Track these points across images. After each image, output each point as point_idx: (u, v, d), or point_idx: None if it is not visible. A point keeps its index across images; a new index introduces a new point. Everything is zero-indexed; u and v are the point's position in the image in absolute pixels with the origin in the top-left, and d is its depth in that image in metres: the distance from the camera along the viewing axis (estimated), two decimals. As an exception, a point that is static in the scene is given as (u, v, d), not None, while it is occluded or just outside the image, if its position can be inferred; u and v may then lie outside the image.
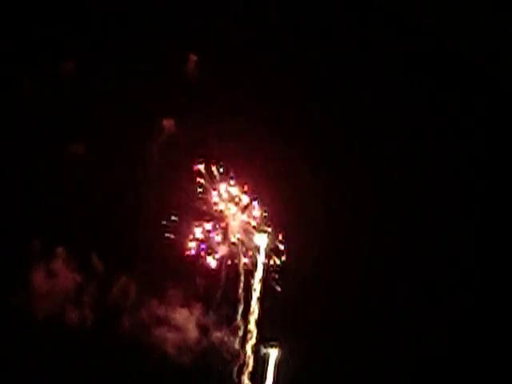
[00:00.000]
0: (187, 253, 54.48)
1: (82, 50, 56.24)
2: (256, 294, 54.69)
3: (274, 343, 54.44)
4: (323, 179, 55.63)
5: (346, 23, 58.16)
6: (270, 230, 55.34)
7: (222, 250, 55.06)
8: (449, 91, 57.76)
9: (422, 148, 57.53)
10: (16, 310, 52.91)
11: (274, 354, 54.46)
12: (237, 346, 54.50)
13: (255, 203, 55.37)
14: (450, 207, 56.63)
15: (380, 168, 56.69)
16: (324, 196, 55.48)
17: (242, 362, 54.49)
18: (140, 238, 54.62)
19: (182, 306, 54.45)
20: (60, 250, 53.69)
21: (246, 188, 55.24)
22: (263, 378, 54.53)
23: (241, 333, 54.62)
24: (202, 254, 54.68)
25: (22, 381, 52.67)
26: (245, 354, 54.60)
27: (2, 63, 55.27)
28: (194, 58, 56.25)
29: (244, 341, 54.63)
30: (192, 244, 54.58)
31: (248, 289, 55.04)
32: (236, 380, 54.21)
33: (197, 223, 54.71)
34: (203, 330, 54.53)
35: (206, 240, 54.83)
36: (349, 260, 55.35)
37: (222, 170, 54.87)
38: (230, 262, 54.86)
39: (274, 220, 55.40)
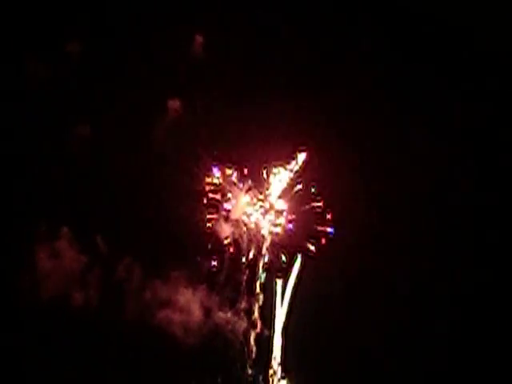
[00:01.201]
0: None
1: (87, 30, 55.95)
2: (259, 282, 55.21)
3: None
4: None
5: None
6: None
7: (226, 230, 55.36)
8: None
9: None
10: (21, 291, 53.24)
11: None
12: (241, 328, 55.01)
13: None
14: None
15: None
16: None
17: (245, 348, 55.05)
18: (145, 220, 54.87)
19: (186, 288, 54.74)
20: (65, 231, 53.86)
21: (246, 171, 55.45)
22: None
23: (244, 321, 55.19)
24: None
25: (26, 362, 53.11)
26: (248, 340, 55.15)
27: (7, 44, 55.01)
28: (200, 38, 56.19)
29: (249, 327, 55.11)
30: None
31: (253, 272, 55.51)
32: (239, 365, 54.82)
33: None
34: (207, 311, 54.88)
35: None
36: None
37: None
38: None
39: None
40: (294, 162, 55.45)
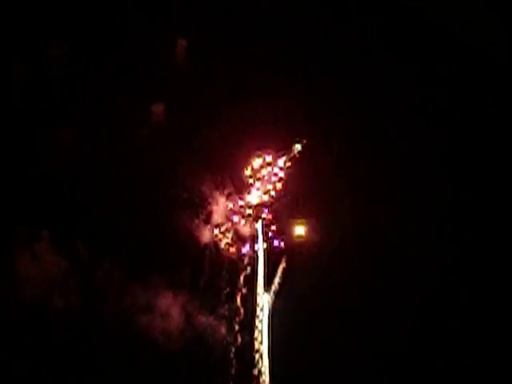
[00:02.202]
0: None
1: (72, 34, 56.48)
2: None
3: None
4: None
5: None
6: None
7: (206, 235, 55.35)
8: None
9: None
10: (1, 295, 53.52)
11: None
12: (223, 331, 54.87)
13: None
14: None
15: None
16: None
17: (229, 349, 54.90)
18: (126, 225, 54.98)
19: (167, 293, 54.70)
20: (45, 235, 54.12)
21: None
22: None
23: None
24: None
25: (7, 366, 53.24)
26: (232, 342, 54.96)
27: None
28: (183, 42, 56.47)
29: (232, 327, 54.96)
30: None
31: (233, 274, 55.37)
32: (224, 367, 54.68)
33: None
34: (188, 316, 54.77)
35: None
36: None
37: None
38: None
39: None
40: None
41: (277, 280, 55.00)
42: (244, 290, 54.93)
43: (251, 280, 55.06)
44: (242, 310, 54.95)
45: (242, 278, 55.04)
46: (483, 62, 57.40)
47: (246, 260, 55.09)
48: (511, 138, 56.71)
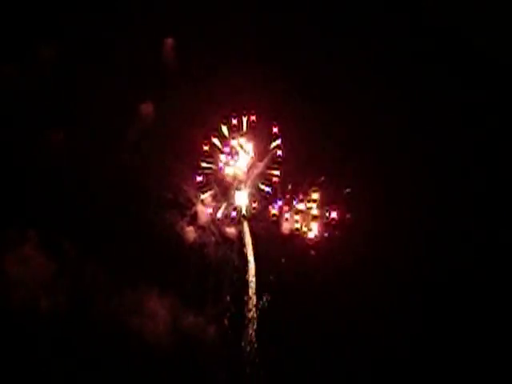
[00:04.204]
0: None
1: (61, 36, 57.66)
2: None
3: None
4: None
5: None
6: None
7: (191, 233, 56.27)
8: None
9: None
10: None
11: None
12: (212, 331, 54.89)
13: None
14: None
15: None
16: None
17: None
18: (114, 226, 55.31)
19: (155, 292, 54.65)
20: (32, 235, 53.71)
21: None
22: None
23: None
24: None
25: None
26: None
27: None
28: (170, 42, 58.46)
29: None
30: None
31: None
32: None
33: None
34: (176, 315, 54.63)
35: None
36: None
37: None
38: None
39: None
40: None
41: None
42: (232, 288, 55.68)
43: (239, 279, 56.02)
44: (230, 309, 55.38)
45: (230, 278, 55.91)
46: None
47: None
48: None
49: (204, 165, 56.78)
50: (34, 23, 57.60)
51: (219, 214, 56.49)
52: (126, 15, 58.62)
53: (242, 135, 57.42)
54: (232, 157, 57.09)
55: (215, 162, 57.12)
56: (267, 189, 56.93)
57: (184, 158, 56.61)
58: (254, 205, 56.67)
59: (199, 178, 56.51)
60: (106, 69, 57.28)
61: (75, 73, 57.19)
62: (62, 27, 57.82)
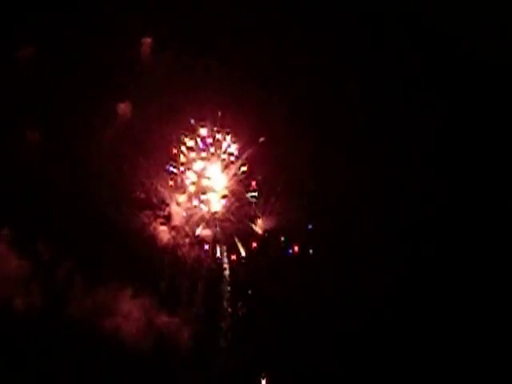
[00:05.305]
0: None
1: (38, 35, 57.25)
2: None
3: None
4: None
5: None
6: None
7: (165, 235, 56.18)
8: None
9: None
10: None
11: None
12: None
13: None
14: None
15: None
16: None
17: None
18: (87, 226, 55.11)
19: (129, 293, 54.57)
20: (5, 234, 53.45)
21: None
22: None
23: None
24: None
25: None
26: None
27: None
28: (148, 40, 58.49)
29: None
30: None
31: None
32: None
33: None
34: (151, 317, 54.62)
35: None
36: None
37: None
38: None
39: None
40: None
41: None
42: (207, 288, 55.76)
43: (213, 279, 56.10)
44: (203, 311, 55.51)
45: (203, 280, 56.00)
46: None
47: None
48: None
49: (174, 169, 56.70)
50: (8, 23, 57.18)
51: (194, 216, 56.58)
52: (102, 14, 58.37)
53: (218, 132, 57.43)
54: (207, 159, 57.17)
55: (187, 164, 57.08)
56: (253, 194, 57.14)
57: (157, 158, 56.46)
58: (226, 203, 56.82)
59: (171, 183, 56.52)
60: (81, 68, 57.02)
61: (50, 72, 56.81)
62: (38, 26, 57.50)
